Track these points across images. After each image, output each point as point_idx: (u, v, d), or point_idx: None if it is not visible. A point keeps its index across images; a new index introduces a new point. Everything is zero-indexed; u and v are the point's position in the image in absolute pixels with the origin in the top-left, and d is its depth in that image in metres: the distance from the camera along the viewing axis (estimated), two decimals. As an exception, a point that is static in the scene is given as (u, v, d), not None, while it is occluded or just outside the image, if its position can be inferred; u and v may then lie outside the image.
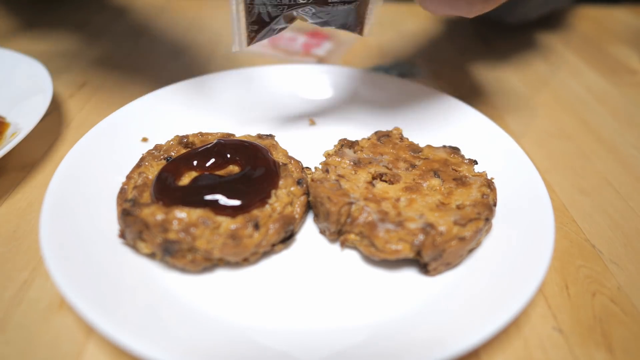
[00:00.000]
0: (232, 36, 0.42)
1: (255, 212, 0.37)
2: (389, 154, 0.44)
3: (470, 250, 0.38)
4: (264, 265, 0.38)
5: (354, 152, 0.45)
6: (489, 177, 0.43)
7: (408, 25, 0.87)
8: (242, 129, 0.51)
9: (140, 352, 0.28)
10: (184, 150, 0.44)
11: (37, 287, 0.36)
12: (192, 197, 0.37)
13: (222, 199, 0.37)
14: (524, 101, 0.64)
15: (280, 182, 0.40)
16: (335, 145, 0.46)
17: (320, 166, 0.43)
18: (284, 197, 0.39)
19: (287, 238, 0.39)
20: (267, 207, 0.38)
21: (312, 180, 0.41)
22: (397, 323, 0.33)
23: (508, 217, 0.40)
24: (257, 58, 0.72)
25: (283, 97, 0.57)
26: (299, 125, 0.54)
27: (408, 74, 0.69)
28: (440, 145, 0.47)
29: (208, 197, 0.37)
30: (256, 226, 0.37)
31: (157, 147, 0.45)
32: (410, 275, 0.37)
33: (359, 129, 0.53)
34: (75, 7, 0.88)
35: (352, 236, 0.38)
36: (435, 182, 0.41)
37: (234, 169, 0.41)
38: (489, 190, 0.40)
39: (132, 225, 0.36)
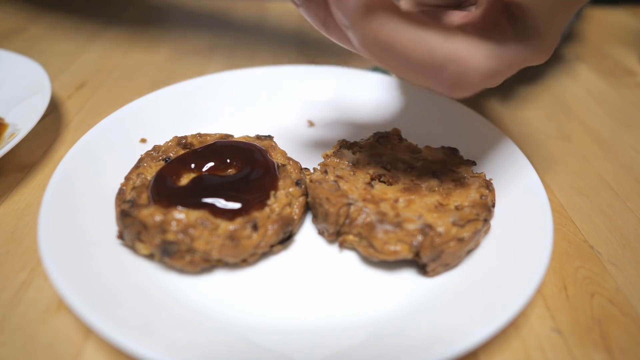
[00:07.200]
0: None
1: (254, 213, 0.37)
2: (388, 155, 0.44)
3: (469, 251, 0.38)
4: (262, 266, 0.38)
5: (353, 153, 0.45)
6: (487, 178, 0.43)
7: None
8: (241, 130, 0.51)
9: (139, 353, 0.28)
10: (182, 152, 0.44)
11: (35, 288, 0.36)
12: (190, 199, 0.37)
13: (221, 202, 0.37)
14: (522, 102, 0.64)
15: (279, 183, 0.40)
16: (334, 146, 0.46)
17: (319, 167, 0.43)
18: (282, 198, 0.39)
19: (285, 239, 0.39)
20: (266, 208, 0.38)
21: (311, 181, 0.41)
22: (395, 324, 0.33)
23: (506, 218, 0.40)
24: (256, 59, 0.72)
25: (282, 98, 0.57)
26: (297, 127, 0.54)
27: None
28: (439, 146, 0.47)
29: (206, 200, 0.37)
30: (255, 227, 0.37)
31: (156, 148, 0.45)
32: (408, 276, 0.37)
33: (358, 130, 0.53)
34: (74, 8, 0.88)
35: (350, 237, 0.38)
36: (434, 183, 0.41)
37: (232, 170, 0.41)
38: (487, 191, 0.40)
39: (131, 226, 0.36)
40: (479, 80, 0.29)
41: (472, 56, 0.28)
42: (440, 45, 0.28)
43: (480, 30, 0.30)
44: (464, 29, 0.29)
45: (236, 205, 0.37)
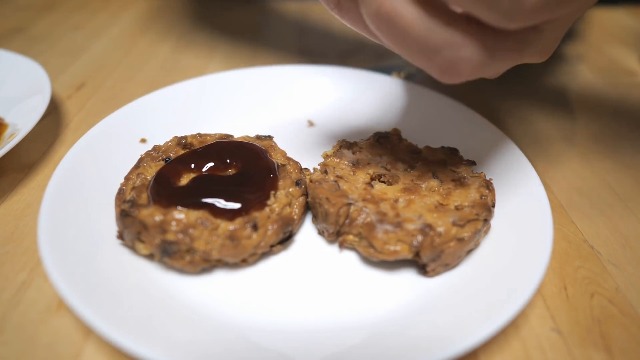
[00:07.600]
0: None
1: (254, 213, 0.37)
2: (388, 155, 0.44)
3: (469, 251, 0.38)
4: (262, 267, 0.38)
5: (353, 153, 0.45)
6: (487, 178, 0.43)
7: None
8: (241, 130, 0.51)
9: (139, 353, 0.28)
10: (182, 152, 0.44)
11: (35, 288, 0.36)
12: (190, 199, 0.37)
13: (221, 202, 0.37)
14: (522, 102, 0.64)
15: (279, 183, 0.40)
16: (334, 146, 0.46)
17: (319, 167, 0.43)
18: (282, 198, 0.39)
19: (285, 239, 0.39)
20: (266, 208, 0.38)
21: (311, 181, 0.41)
22: (395, 324, 0.33)
23: (506, 218, 0.40)
24: (256, 59, 0.72)
25: (282, 98, 0.57)
26: (297, 126, 0.54)
27: (407, 75, 0.69)
28: (439, 146, 0.47)
29: (206, 200, 0.37)
30: (255, 227, 0.37)
31: (156, 148, 0.45)
32: (408, 276, 0.37)
33: (358, 129, 0.53)
34: (74, 8, 0.88)
35: (350, 237, 0.38)
36: (434, 183, 0.41)
37: (232, 170, 0.41)
38: (487, 191, 0.40)
39: (131, 226, 0.36)
40: (470, 70, 0.29)
41: (466, 46, 0.28)
42: (438, 30, 0.28)
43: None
44: (469, 18, 0.29)
45: (236, 205, 0.37)
